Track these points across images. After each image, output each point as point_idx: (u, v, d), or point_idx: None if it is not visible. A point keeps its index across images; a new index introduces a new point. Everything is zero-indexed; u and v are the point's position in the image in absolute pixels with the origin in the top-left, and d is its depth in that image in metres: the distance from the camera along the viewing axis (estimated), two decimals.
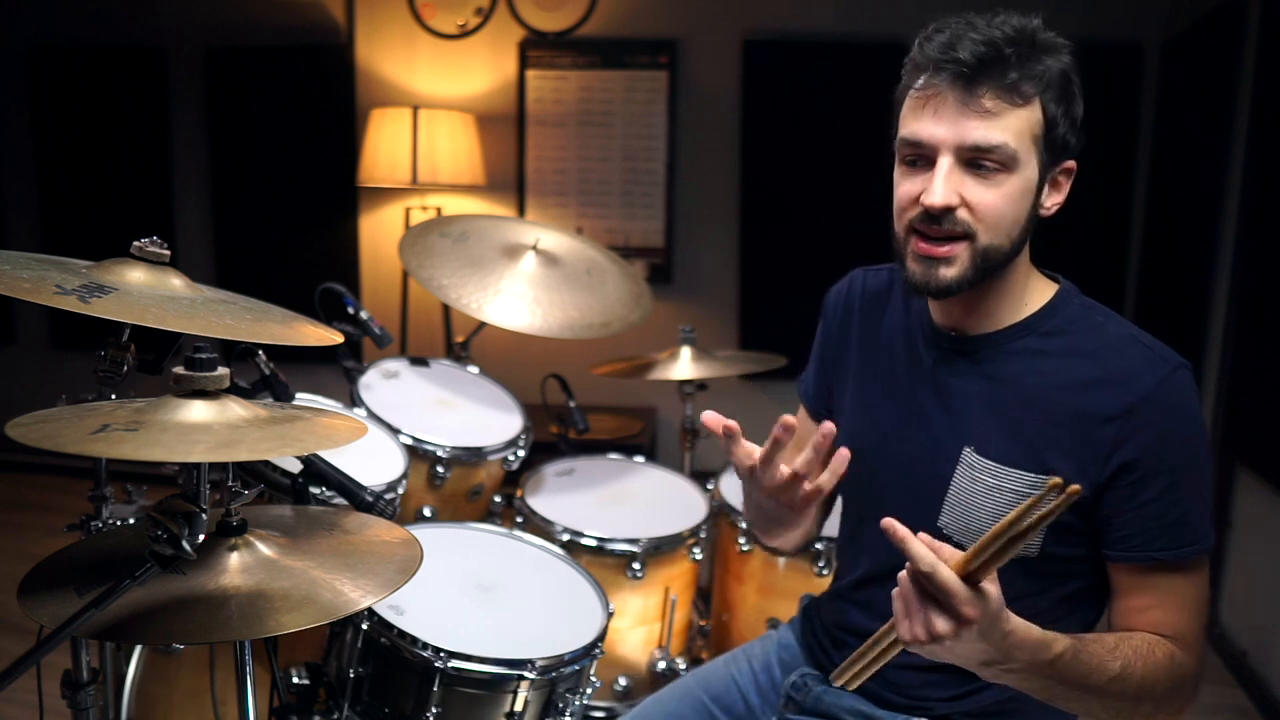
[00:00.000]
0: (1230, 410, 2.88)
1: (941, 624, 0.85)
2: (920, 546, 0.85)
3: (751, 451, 1.07)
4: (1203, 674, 1.06)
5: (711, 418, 1.05)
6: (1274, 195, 2.66)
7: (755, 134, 3.81)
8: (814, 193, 3.82)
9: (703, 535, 2.01)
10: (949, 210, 1.03)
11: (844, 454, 1.07)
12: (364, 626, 1.38)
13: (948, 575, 0.84)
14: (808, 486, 1.08)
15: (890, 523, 0.87)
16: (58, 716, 1.26)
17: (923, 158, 1.06)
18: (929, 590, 0.85)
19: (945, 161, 1.03)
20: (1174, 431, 1.03)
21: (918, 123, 1.05)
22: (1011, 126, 1.01)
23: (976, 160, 1.02)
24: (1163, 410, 1.03)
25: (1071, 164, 1.09)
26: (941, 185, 1.02)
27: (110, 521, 1.29)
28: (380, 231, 4.10)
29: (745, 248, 3.86)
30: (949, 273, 1.05)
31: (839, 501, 1.39)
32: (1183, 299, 3.24)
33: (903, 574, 0.88)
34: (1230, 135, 2.92)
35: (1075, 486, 0.78)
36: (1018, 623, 0.90)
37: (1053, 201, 1.09)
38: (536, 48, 3.89)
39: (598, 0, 3.83)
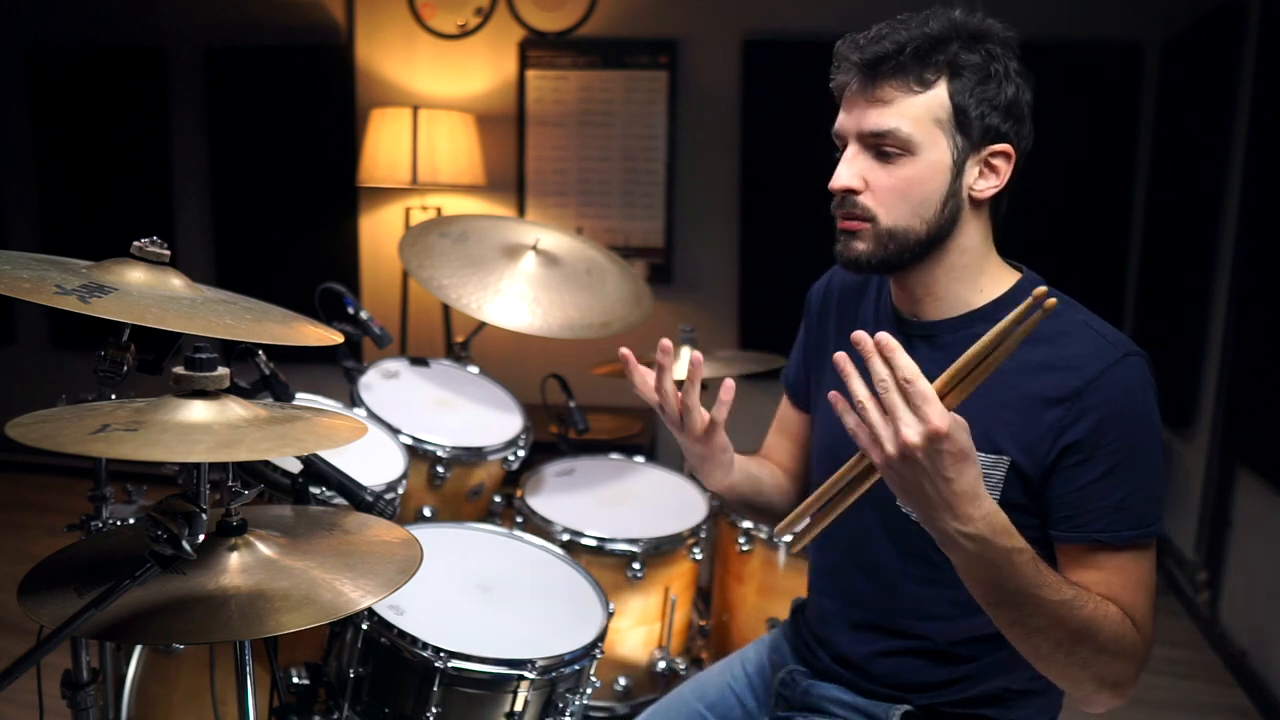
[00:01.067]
0: (1230, 410, 2.88)
1: (911, 433, 0.87)
2: (907, 356, 0.88)
3: (647, 380, 1.18)
4: (1148, 656, 1.05)
5: (623, 351, 1.18)
6: (1274, 195, 2.66)
7: (755, 134, 3.81)
8: (814, 193, 3.81)
9: (703, 535, 2.01)
10: (850, 192, 1.11)
11: (729, 384, 1.14)
12: (364, 626, 1.38)
13: (927, 384, 0.88)
14: (702, 417, 1.17)
15: (882, 336, 0.89)
16: (58, 716, 1.26)
17: (845, 148, 1.13)
18: (906, 398, 0.88)
19: (851, 149, 1.11)
20: (1118, 416, 1.04)
21: (839, 117, 1.14)
22: (907, 113, 1.07)
23: (878, 146, 1.09)
24: (1108, 395, 1.04)
25: (1005, 148, 1.10)
26: (842, 169, 1.11)
27: (110, 521, 1.29)
28: (380, 231, 4.10)
29: (745, 248, 3.86)
30: (859, 246, 1.12)
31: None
32: (1183, 299, 3.24)
33: (866, 395, 0.90)
34: (1230, 135, 2.92)
35: (1052, 300, 0.84)
36: (988, 496, 0.93)
37: (988, 185, 1.11)
38: (536, 48, 3.89)
39: (598, 0, 3.83)
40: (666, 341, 1.15)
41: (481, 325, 2.13)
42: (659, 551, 1.93)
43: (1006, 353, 0.88)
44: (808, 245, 3.75)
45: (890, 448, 0.89)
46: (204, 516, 0.91)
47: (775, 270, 3.83)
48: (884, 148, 1.09)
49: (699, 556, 2.01)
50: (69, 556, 1.02)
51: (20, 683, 0.86)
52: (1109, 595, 1.04)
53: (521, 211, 3.99)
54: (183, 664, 1.56)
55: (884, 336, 0.89)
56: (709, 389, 2.42)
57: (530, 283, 2.09)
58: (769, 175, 3.83)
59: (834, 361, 0.93)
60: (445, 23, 3.93)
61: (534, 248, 2.16)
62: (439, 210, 3.92)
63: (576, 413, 2.23)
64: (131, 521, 1.30)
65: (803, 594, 1.51)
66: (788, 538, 1.07)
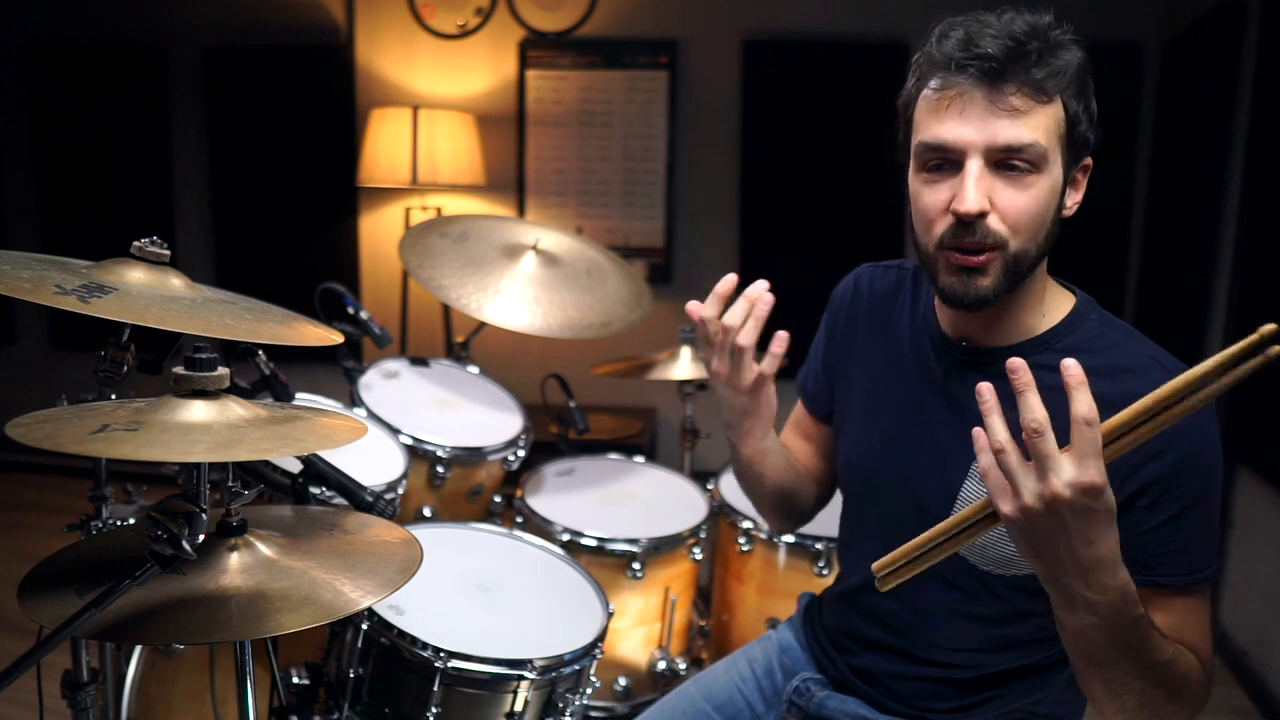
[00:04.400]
0: (1230, 410, 2.88)
1: (1061, 482, 0.78)
2: (1087, 396, 0.79)
3: (701, 309, 1.15)
4: (1211, 693, 1.01)
5: (693, 306, 1.15)
6: (1274, 195, 2.66)
7: (755, 134, 3.81)
8: (814, 192, 3.82)
9: (703, 535, 2.01)
10: (982, 216, 0.98)
11: (781, 335, 1.11)
12: (364, 626, 1.38)
13: (1097, 434, 0.78)
14: (752, 369, 1.15)
15: (1067, 364, 0.79)
16: (58, 716, 1.26)
17: (948, 162, 1.01)
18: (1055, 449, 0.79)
19: (975, 164, 0.98)
20: (1192, 460, 0.99)
21: (941, 125, 0.99)
22: (1040, 125, 0.97)
23: (1007, 161, 0.98)
24: (1185, 438, 0.97)
25: (1089, 161, 1.05)
26: (973, 190, 0.97)
27: (110, 521, 1.29)
28: (380, 231, 4.10)
29: (745, 248, 3.86)
30: (985, 283, 1.01)
31: (838, 499, 1.38)
32: (1183, 299, 3.24)
33: (1007, 439, 0.81)
34: (1230, 135, 2.92)
35: (1277, 348, 0.73)
36: (1123, 565, 0.85)
37: (1073, 201, 1.06)
38: (536, 48, 3.89)
39: (598, 0, 3.83)
40: (731, 277, 1.13)
41: (481, 325, 2.12)
42: (659, 551, 1.93)
43: (1200, 402, 0.77)
44: (808, 245, 3.78)
45: (1030, 498, 0.79)
46: (204, 516, 0.91)
47: (775, 270, 3.79)
48: (1015, 163, 0.97)
49: (699, 556, 2.01)
50: (69, 556, 1.02)
51: (20, 683, 0.86)
52: (1177, 641, 0.99)
53: (521, 211, 3.99)
54: (183, 664, 1.56)
55: (1069, 365, 0.79)
56: (709, 388, 2.42)
57: (530, 283, 2.09)
58: (769, 175, 3.83)
59: (977, 392, 0.83)
60: (445, 23, 3.93)
61: (534, 248, 2.16)
62: (439, 210, 3.92)
63: (576, 413, 2.23)
64: (131, 521, 1.30)
65: (802, 591, 1.50)
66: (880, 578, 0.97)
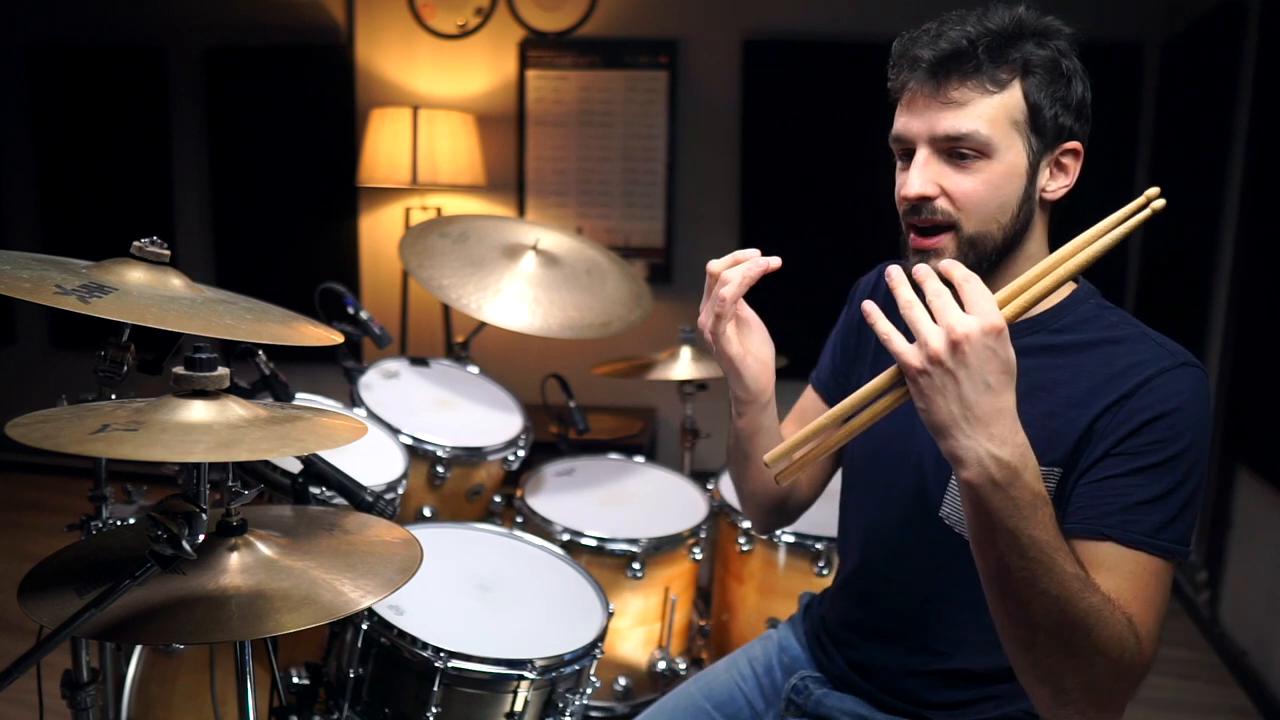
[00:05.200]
0: (1230, 410, 2.88)
1: (963, 326, 0.83)
2: (962, 266, 0.88)
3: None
4: (1144, 676, 0.93)
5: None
6: (1274, 195, 2.66)
7: (755, 134, 3.81)
8: (814, 193, 3.82)
9: (703, 535, 2.01)
10: (926, 200, 1.06)
11: (770, 260, 1.16)
12: (364, 626, 1.38)
13: (983, 285, 0.86)
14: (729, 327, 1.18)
15: (946, 264, 0.89)
16: (58, 716, 1.26)
17: (907, 153, 1.09)
18: (961, 296, 0.86)
19: (922, 153, 1.06)
20: (1162, 418, 0.98)
21: (899, 119, 1.10)
22: (983, 114, 1.03)
23: (953, 149, 1.05)
24: (1157, 398, 0.99)
25: (1074, 145, 1.08)
26: (916, 175, 1.06)
27: (110, 521, 1.29)
28: (380, 231, 4.10)
29: (745, 248, 3.86)
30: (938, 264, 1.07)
31: (837, 496, 1.38)
32: (1183, 299, 3.24)
33: (913, 297, 0.87)
34: (1230, 135, 2.92)
35: (1161, 202, 0.86)
36: (1024, 435, 0.87)
37: (1059, 185, 1.09)
38: (536, 48, 3.89)
39: (598, 0, 3.83)
40: (754, 251, 1.18)
41: (481, 325, 2.13)
42: (659, 551, 1.93)
43: (1082, 261, 0.88)
44: (808, 245, 3.78)
45: (936, 342, 0.84)
46: (204, 516, 0.91)
47: (776, 270, 3.82)
48: (959, 151, 1.04)
49: (699, 556, 2.01)
50: (69, 556, 1.02)
51: (20, 683, 0.86)
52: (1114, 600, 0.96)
53: (521, 211, 3.99)
54: (183, 664, 1.56)
55: (947, 264, 0.88)
56: (709, 388, 2.43)
57: (530, 283, 2.09)
58: (769, 175, 3.83)
59: (886, 275, 0.90)
60: (445, 23, 3.93)
61: (534, 248, 2.16)
62: (439, 210, 3.92)
63: (576, 413, 2.23)
64: (131, 521, 1.30)
65: (802, 591, 1.50)
66: (779, 465, 1.00)
